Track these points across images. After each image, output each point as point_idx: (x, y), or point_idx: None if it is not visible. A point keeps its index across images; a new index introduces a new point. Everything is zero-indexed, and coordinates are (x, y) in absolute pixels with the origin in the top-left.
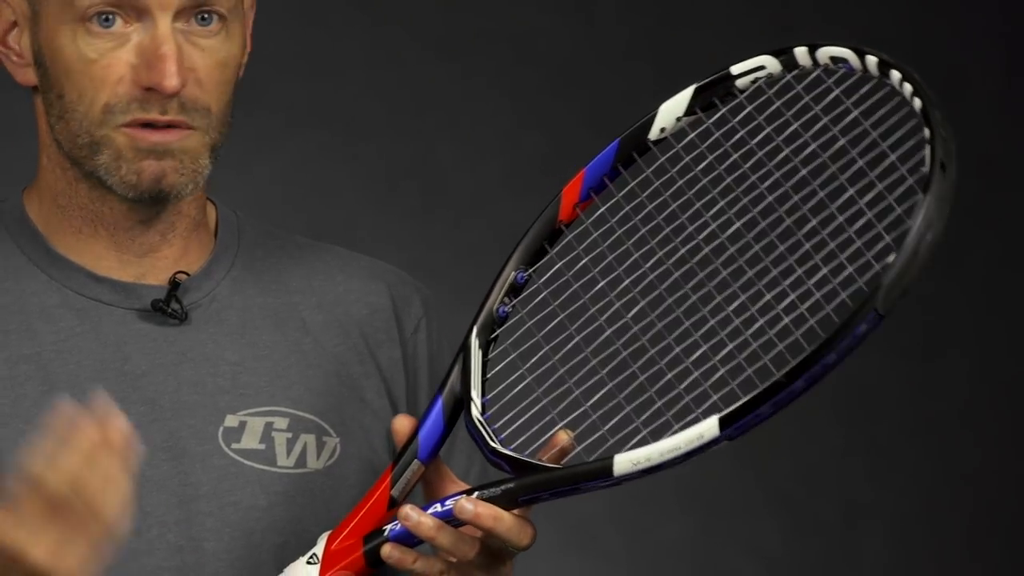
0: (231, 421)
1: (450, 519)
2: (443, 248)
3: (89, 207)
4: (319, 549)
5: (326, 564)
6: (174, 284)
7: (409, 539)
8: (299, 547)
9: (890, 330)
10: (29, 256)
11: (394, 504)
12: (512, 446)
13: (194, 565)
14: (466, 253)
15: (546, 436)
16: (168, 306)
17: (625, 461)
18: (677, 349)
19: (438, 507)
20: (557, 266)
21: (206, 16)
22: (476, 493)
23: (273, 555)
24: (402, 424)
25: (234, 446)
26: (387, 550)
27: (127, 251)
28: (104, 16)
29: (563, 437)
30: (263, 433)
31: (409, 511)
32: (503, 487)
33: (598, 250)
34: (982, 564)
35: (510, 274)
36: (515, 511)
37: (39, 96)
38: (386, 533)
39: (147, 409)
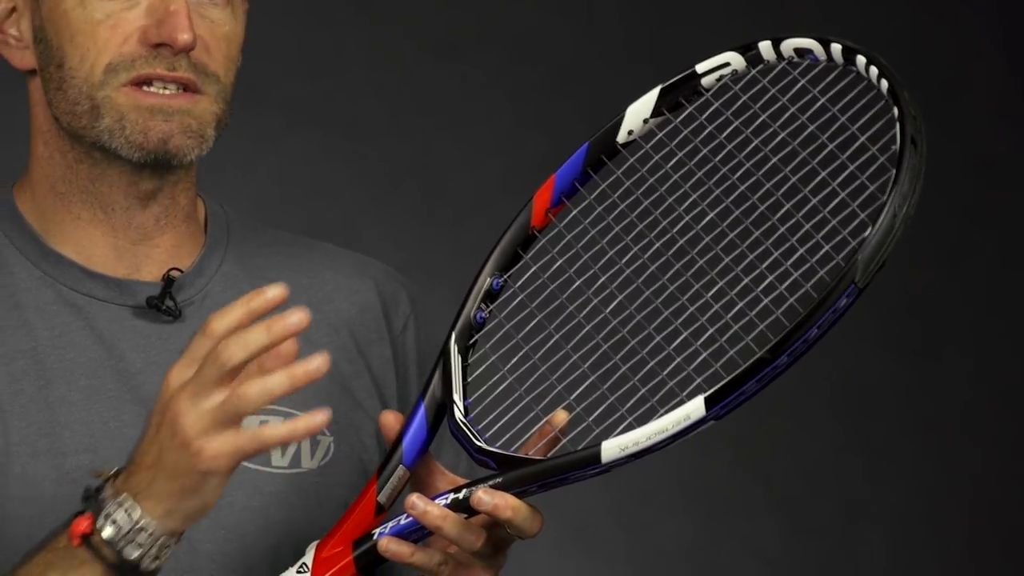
0: None
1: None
2: (443, 248)
3: (89, 188)
4: (308, 559)
5: (316, 572)
6: (168, 281)
7: (406, 535)
8: (292, 548)
9: (890, 330)
10: (21, 251)
11: (381, 510)
12: (497, 444)
13: (188, 566)
14: (466, 253)
15: (532, 431)
16: (162, 303)
17: (613, 447)
18: (658, 338)
19: (441, 500)
20: (532, 269)
21: None
22: (464, 490)
23: (266, 556)
24: (388, 419)
25: None
26: (384, 543)
27: (123, 236)
28: None
29: (561, 417)
30: None
31: (416, 500)
32: (492, 482)
33: (573, 251)
34: (982, 564)
35: (485, 280)
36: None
37: (35, 80)
38: (375, 536)
39: (142, 409)
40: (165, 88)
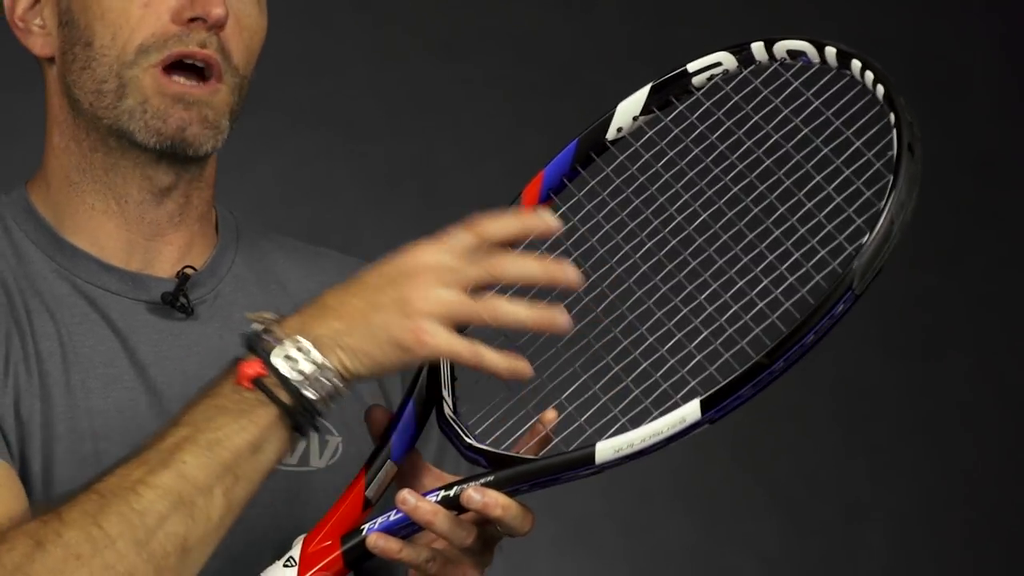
0: None
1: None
2: None
3: (103, 178)
4: (296, 552)
5: (303, 566)
6: (183, 278)
7: (395, 531)
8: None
9: (890, 330)
10: (36, 244)
11: (369, 505)
12: (487, 442)
13: None
14: None
15: (522, 430)
16: (177, 300)
17: (607, 448)
18: (651, 339)
19: (431, 497)
20: None
21: None
22: (456, 488)
23: (272, 552)
24: (376, 414)
25: None
26: (373, 539)
27: (136, 231)
28: None
29: (551, 415)
30: None
31: (407, 495)
32: (483, 480)
33: (562, 248)
34: (982, 564)
35: None
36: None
37: (53, 69)
38: (364, 531)
39: (155, 400)
40: (188, 80)
